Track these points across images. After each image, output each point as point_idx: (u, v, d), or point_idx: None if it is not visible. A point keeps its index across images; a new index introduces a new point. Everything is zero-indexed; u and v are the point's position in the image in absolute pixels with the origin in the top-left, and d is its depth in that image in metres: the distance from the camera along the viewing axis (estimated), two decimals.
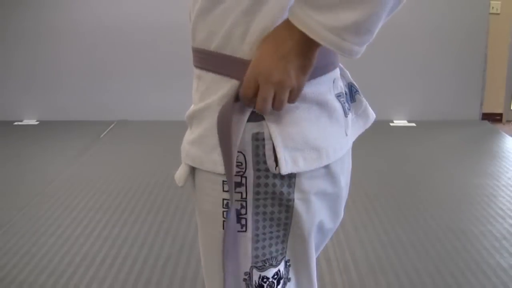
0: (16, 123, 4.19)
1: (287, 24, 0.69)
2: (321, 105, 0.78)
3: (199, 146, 0.79)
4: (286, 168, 0.74)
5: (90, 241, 2.25)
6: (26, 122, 4.22)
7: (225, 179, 0.77)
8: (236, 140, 0.74)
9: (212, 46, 0.77)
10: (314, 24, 0.66)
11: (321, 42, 0.67)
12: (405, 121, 4.12)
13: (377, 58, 3.95)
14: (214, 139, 0.76)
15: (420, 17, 3.95)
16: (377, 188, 2.79)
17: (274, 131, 0.74)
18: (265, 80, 0.70)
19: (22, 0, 4.04)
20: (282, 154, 0.74)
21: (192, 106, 0.84)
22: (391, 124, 4.06)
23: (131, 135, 3.86)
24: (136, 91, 4.16)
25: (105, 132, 3.91)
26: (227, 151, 0.74)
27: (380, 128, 3.80)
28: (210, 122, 0.77)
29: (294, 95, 0.72)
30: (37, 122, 4.21)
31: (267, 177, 0.76)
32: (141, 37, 4.04)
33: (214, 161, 0.77)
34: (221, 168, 0.76)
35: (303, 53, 0.70)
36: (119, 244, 2.22)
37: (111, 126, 4.06)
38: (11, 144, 3.68)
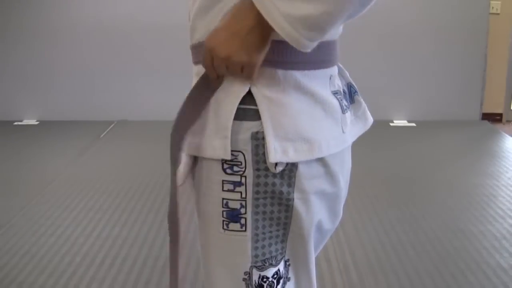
0: (16, 123, 4.19)
1: (247, 2, 0.70)
2: (315, 97, 0.77)
3: (199, 134, 0.79)
4: (275, 157, 0.73)
5: (90, 241, 2.25)
6: (26, 122, 4.22)
7: (224, 179, 0.77)
8: (226, 117, 0.75)
9: None
10: (271, 7, 0.66)
11: (273, 26, 0.67)
12: (405, 121, 4.12)
13: (377, 58, 3.95)
14: (211, 125, 0.76)
15: (420, 17, 3.95)
16: (377, 188, 2.79)
17: (266, 120, 0.74)
18: (214, 54, 0.72)
19: (22, 0, 4.04)
20: (271, 144, 0.73)
21: None
22: (391, 124, 4.06)
23: (131, 135, 3.86)
24: (136, 91, 4.16)
25: (105, 132, 3.91)
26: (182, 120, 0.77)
27: (380, 128, 3.80)
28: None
29: (246, 71, 0.73)
30: (37, 122, 4.21)
31: (266, 176, 0.75)
32: (141, 37, 4.04)
33: (214, 147, 0.76)
34: (219, 153, 0.76)
35: (255, 32, 0.70)
36: (119, 244, 2.22)
37: (111, 126, 4.06)
38: (11, 144, 3.68)
